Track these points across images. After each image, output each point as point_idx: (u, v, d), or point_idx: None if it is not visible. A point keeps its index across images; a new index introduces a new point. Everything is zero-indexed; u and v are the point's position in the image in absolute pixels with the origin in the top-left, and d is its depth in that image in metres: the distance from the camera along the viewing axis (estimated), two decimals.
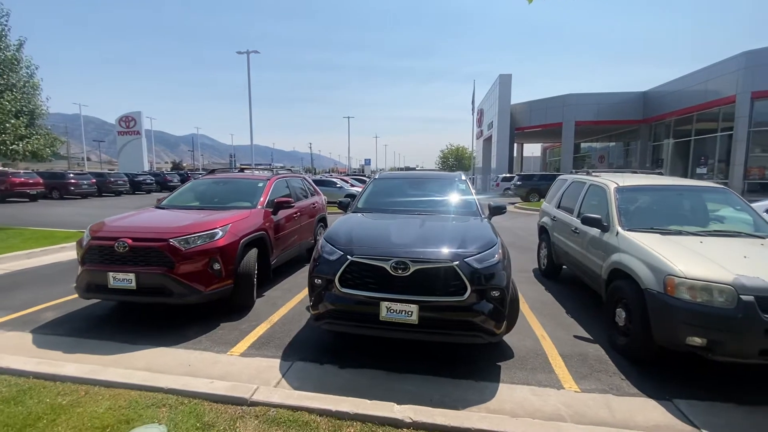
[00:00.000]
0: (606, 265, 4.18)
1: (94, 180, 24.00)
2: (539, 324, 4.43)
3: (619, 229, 4.15)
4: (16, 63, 9.89)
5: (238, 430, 2.42)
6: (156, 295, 3.98)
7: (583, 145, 40.07)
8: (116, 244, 3.95)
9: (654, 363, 3.49)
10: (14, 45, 10.01)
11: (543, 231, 6.75)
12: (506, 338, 3.97)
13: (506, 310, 3.31)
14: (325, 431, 2.44)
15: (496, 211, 4.78)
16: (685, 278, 3.10)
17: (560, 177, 6.95)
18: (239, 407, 2.65)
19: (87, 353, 3.54)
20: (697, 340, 3.03)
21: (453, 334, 3.19)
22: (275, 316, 4.47)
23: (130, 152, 40.37)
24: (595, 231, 4.59)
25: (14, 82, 9.49)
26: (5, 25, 9.80)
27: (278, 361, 3.47)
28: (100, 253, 4.03)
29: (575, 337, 4.12)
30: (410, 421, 2.49)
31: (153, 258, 3.95)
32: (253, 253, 4.68)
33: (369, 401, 2.68)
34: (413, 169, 8.98)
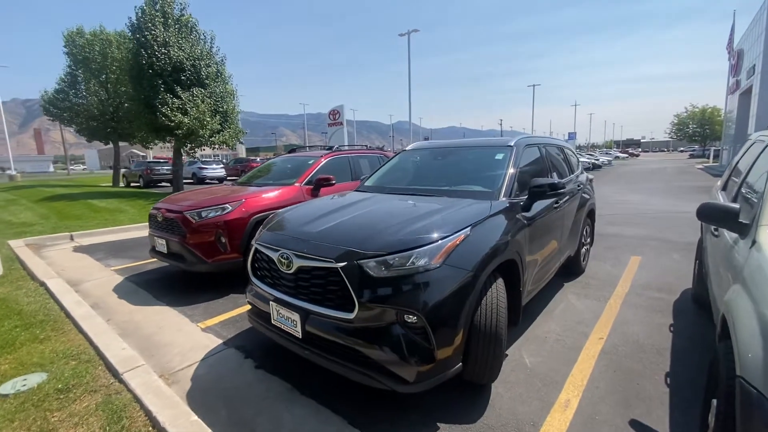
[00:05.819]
0: (718, 305, 2.08)
1: None
2: (585, 382, 2.67)
3: (762, 233, 1.95)
4: (219, 75, 13.19)
5: (76, 401, 2.41)
6: (177, 260, 4.50)
7: None
8: (157, 214, 4.67)
9: None
10: (219, 61, 13.34)
11: (701, 230, 4.07)
12: (497, 388, 2.59)
13: (435, 347, 2.09)
14: None
15: (536, 193, 3.09)
16: None
17: (750, 138, 3.95)
18: (109, 380, 2.65)
19: (127, 301, 4.35)
20: None
21: (341, 364, 2.24)
22: None
23: (336, 139, 48.48)
24: (731, 235, 2.36)
25: (214, 90, 12.70)
26: (213, 45, 13.17)
27: (219, 342, 3.33)
28: (152, 221, 4.87)
29: (631, 423, 2.27)
30: None
31: (175, 227, 4.47)
32: None
33: (193, 418, 2.19)
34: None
